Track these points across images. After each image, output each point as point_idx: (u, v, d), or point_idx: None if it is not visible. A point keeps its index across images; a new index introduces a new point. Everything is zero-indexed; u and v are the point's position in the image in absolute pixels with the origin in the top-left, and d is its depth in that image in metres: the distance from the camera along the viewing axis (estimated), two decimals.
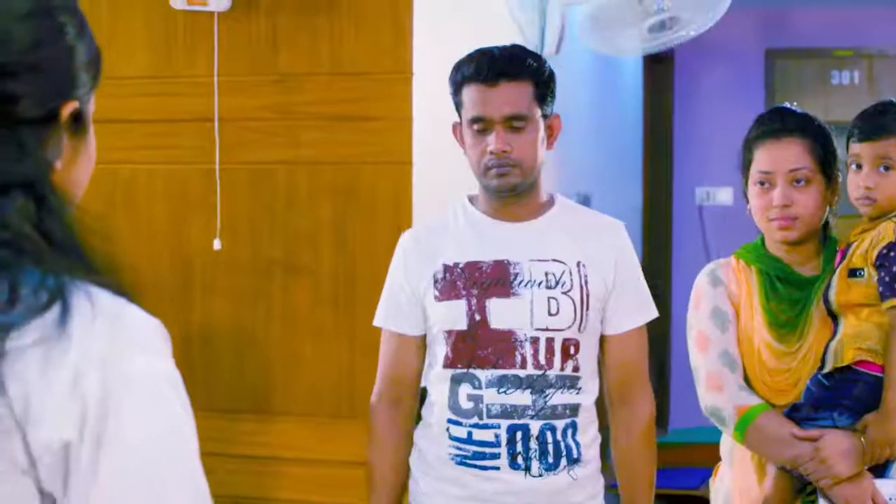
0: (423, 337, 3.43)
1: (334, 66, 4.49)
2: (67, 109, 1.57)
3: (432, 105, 4.36)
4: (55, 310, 1.42)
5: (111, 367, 1.42)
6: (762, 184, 3.40)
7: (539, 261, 3.31)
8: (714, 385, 3.37)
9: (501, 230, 3.37)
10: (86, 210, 1.58)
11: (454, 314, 3.31)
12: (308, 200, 4.54)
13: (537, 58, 3.35)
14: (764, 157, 3.39)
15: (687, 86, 9.41)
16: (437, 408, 3.38)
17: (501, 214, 3.39)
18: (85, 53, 1.61)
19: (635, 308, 3.42)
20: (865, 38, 9.15)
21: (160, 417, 1.46)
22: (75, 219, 1.54)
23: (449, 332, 3.32)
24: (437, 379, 3.38)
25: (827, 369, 3.24)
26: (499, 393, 3.25)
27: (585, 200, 6.55)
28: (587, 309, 3.31)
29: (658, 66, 9.09)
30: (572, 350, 3.29)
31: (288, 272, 4.57)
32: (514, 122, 3.25)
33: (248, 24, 4.58)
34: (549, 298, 3.27)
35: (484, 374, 3.27)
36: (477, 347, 3.28)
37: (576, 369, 3.30)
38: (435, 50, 4.42)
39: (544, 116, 3.32)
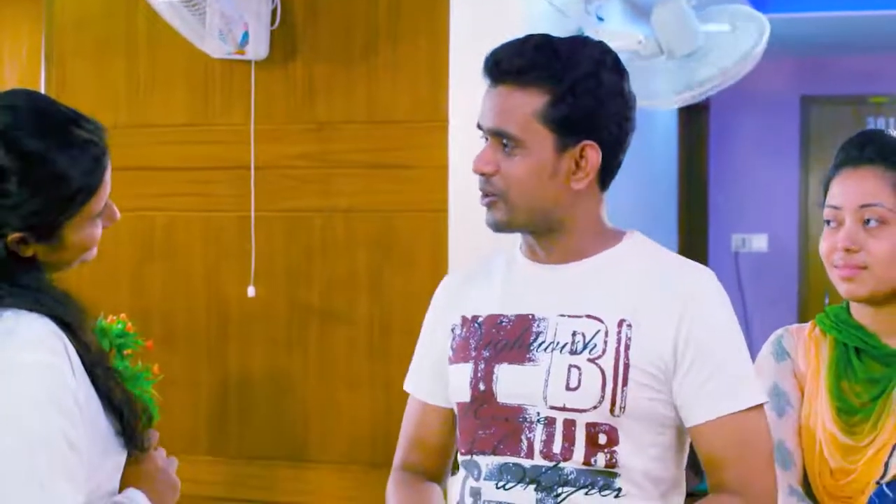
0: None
1: (371, 115, 4.51)
2: (12, 237, 2.11)
3: (469, 153, 4.34)
4: None
5: None
6: (829, 222, 2.66)
7: (569, 316, 2.42)
8: None
9: (532, 276, 2.51)
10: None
11: (460, 382, 2.50)
12: (344, 248, 4.54)
13: (575, 58, 2.41)
14: (835, 190, 2.66)
15: (722, 132, 9.40)
16: None
17: (536, 255, 2.52)
18: (35, 203, 2.10)
19: (725, 388, 2.39)
20: None
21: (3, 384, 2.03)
22: (38, 280, 2.15)
23: (459, 405, 2.53)
24: (459, 468, 2.57)
25: (888, 477, 2.55)
26: (497, 487, 2.42)
27: None
28: (624, 385, 2.36)
29: (693, 113, 9.08)
30: (602, 439, 2.38)
31: (324, 320, 4.57)
32: (503, 140, 2.42)
33: (284, 73, 4.60)
34: (569, 367, 2.38)
35: (484, 462, 2.45)
36: (479, 426, 2.47)
37: (611, 465, 2.38)
38: (471, 98, 4.42)
39: (565, 142, 2.40)
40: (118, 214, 2.28)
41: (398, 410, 4.42)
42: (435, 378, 2.62)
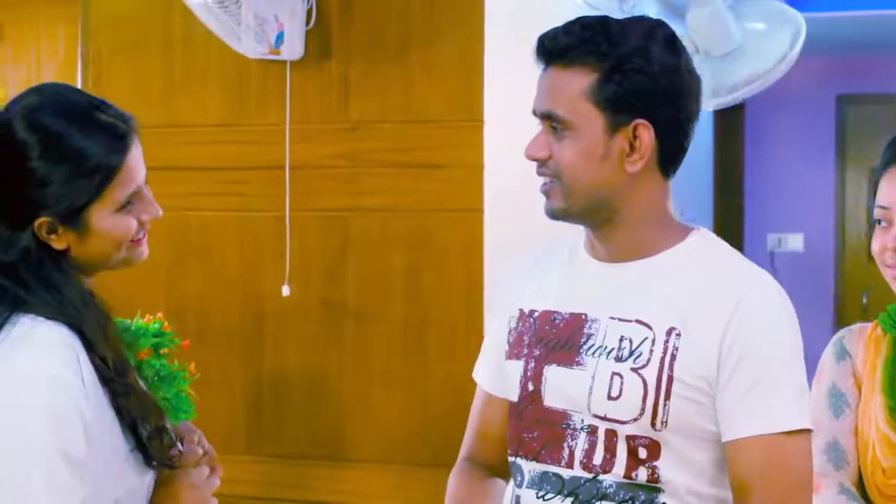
0: None
1: (405, 114, 4.51)
2: (38, 221, 2.12)
3: (504, 152, 4.36)
4: None
5: None
6: (879, 221, 2.62)
7: (620, 320, 2.29)
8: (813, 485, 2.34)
9: (590, 274, 2.39)
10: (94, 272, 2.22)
11: (511, 379, 2.41)
12: (378, 248, 4.54)
13: (624, 34, 2.27)
14: (883, 189, 2.60)
15: (758, 132, 9.36)
16: None
17: (596, 252, 2.39)
18: (56, 181, 2.11)
19: (761, 406, 2.20)
20: None
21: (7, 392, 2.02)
22: (64, 280, 2.14)
23: (510, 405, 2.43)
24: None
25: None
26: (537, 497, 2.33)
27: None
28: (666, 399, 2.22)
29: (728, 112, 9.04)
30: (643, 454, 2.25)
31: (358, 319, 4.57)
32: (553, 123, 2.29)
33: (319, 73, 4.60)
34: (613, 375, 2.26)
35: (527, 468, 2.36)
36: (524, 429, 2.37)
37: (654, 480, 2.24)
38: (506, 96, 4.42)
39: (616, 122, 2.26)
40: (159, 210, 2.24)
41: (434, 410, 4.45)
42: (497, 369, 2.49)
